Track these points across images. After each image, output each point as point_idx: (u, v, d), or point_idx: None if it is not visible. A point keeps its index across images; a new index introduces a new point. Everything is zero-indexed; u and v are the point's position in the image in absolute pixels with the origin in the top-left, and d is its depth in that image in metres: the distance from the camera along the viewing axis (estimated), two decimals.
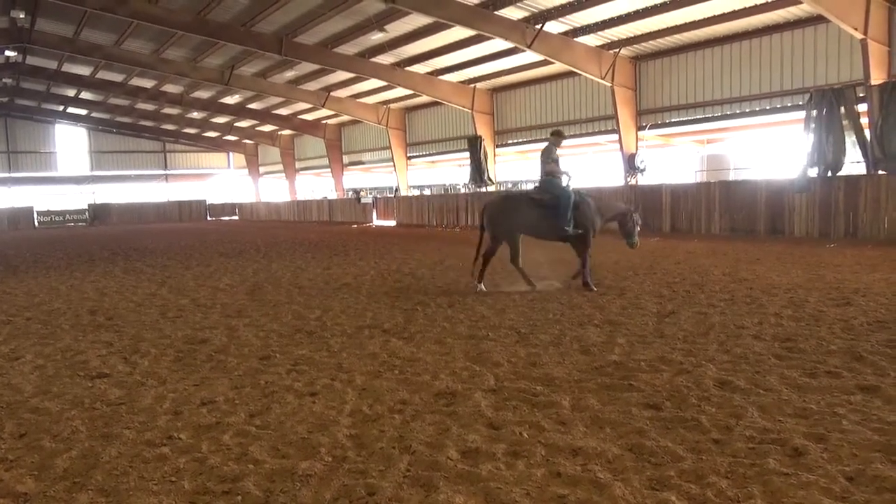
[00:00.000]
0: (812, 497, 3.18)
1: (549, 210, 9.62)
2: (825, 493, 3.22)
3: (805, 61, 19.01)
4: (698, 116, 22.38)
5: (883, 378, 4.95)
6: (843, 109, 16.84)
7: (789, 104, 19.61)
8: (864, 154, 16.72)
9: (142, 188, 56.46)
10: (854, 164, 17.29)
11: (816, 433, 3.94)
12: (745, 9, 18.35)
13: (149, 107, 43.06)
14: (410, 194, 36.86)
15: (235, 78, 31.46)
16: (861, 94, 16.85)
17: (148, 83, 36.22)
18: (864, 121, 16.81)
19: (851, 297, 8.39)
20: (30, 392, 5.36)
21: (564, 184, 9.90)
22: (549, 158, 9.92)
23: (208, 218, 54.61)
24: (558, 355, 5.96)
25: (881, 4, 16.49)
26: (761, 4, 17.98)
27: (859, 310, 7.55)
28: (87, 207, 51.17)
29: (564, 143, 10.38)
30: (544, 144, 10.13)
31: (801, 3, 16.36)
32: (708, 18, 19.31)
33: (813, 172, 17.38)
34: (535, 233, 9.92)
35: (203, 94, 38.03)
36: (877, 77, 16.43)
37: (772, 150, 25.61)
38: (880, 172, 16.30)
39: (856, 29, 16.19)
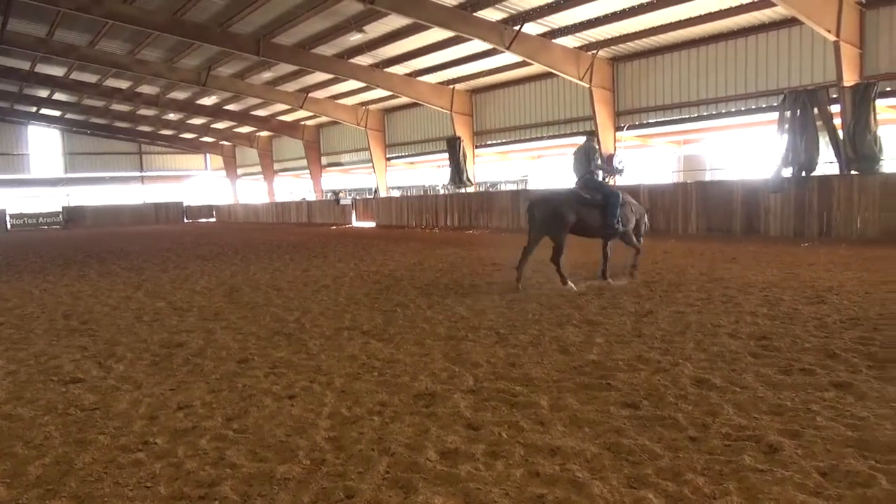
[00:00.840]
0: (787, 493, 3.22)
1: (599, 209, 9.86)
2: (799, 488, 3.26)
3: (779, 63, 19.27)
4: (675, 117, 22.59)
5: (855, 375, 5.03)
6: (816, 110, 17.09)
7: (764, 105, 19.86)
8: (837, 154, 16.98)
9: (117, 190, 55.77)
10: (827, 164, 17.55)
11: (791, 430, 3.99)
12: (720, 11, 18.55)
13: (124, 108, 42.51)
14: (389, 195, 36.80)
15: (212, 79, 31.18)
16: (834, 96, 17.12)
17: (123, 84, 35.76)
18: (837, 121, 17.08)
19: (825, 295, 8.51)
20: (2, 398, 5.27)
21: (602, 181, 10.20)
22: (595, 156, 10.26)
23: (185, 220, 54.10)
24: (537, 355, 5.98)
25: (853, 7, 16.77)
26: (736, 7, 18.18)
27: (833, 308, 7.66)
28: (61, 210, 50.42)
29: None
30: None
31: (775, 5, 16.57)
32: (684, 20, 19.50)
33: (787, 173, 17.62)
34: (583, 231, 10.03)
35: (179, 95, 37.63)
36: (849, 79, 16.69)
37: (747, 151, 25.92)
38: (853, 172, 16.57)
39: (829, 31, 16.43)
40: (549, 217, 9.81)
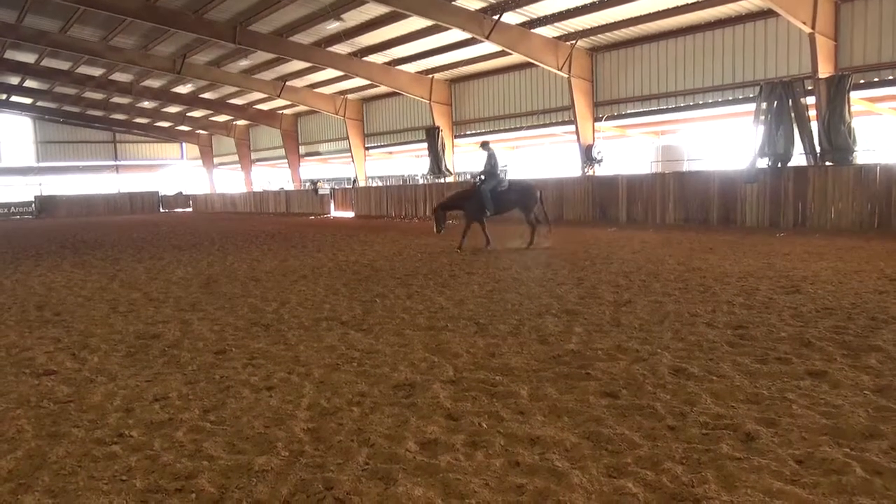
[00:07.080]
0: (763, 480, 3.25)
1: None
2: (776, 476, 3.29)
3: (756, 54, 19.43)
4: (653, 108, 22.72)
5: (830, 363, 5.10)
6: (791, 102, 17.26)
7: (741, 96, 20.04)
8: (810, 146, 17.16)
9: (91, 180, 54.92)
10: (802, 154, 17.76)
11: (767, 418, 4.03)
12: (697, 2, 18.65)
13: (97, 96, 41.78)
14: (368, 185, 36.64)
15: (188, 67, 30.73)
16: (809, 87, 17.29)
17: (96, 71, 35.13)
18: (812, 113, 17.27)
19: (800, 284, 8.62)
20: None
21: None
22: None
23: (161, 210, 53.45)
24: (517, 345, 5.99)
25: (828, 0, 16.94)
26: None
27: (808, 297, 7.76)
28: (33, 199, 49.55)
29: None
30: (488, 137, 11.23)
31: None
32: (662, 11, 19.57)
33: (762, 163, 17.80)
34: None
35: (154, 82, 37.05)
36: (824, 70, 16.88)
37: (724, 142, 26.14)
38: (827, 164, 16.77)
39: (804, 23, 16.60)
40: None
